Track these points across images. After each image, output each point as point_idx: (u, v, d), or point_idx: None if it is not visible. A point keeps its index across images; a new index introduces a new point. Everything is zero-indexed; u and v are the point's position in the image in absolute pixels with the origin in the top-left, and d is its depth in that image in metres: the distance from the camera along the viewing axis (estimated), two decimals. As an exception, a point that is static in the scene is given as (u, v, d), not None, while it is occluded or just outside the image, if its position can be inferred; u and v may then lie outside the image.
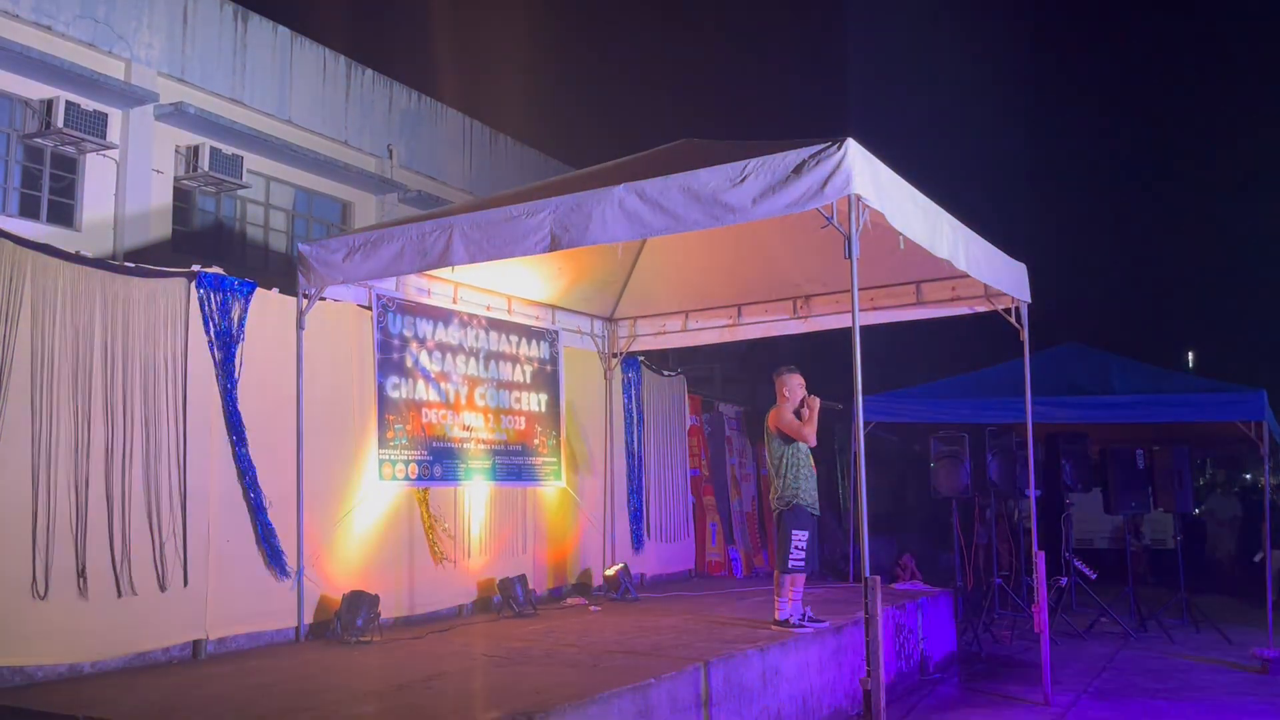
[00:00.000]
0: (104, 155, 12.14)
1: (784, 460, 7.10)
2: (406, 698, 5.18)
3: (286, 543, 6.88)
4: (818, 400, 7.13)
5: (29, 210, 11.73)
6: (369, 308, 7.80)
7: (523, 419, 9.21)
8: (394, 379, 7.93)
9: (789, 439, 7.10)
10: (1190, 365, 30.46)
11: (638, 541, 10.49)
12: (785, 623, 6.92)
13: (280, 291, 7.14)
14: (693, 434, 12.13)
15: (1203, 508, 16.95)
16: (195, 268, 6.63)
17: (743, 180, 5.36)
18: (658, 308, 10.09)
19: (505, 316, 9.12)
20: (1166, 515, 12.95)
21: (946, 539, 11.58)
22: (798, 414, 7.14)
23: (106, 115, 11.84)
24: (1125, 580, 11.17)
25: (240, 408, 6.67)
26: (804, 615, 7.01)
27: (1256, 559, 11.36)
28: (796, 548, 6.94)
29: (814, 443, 7.12)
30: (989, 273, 7.10)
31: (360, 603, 6.89)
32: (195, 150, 12.93)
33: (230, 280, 6.75)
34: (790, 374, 7.23)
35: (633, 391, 10.77)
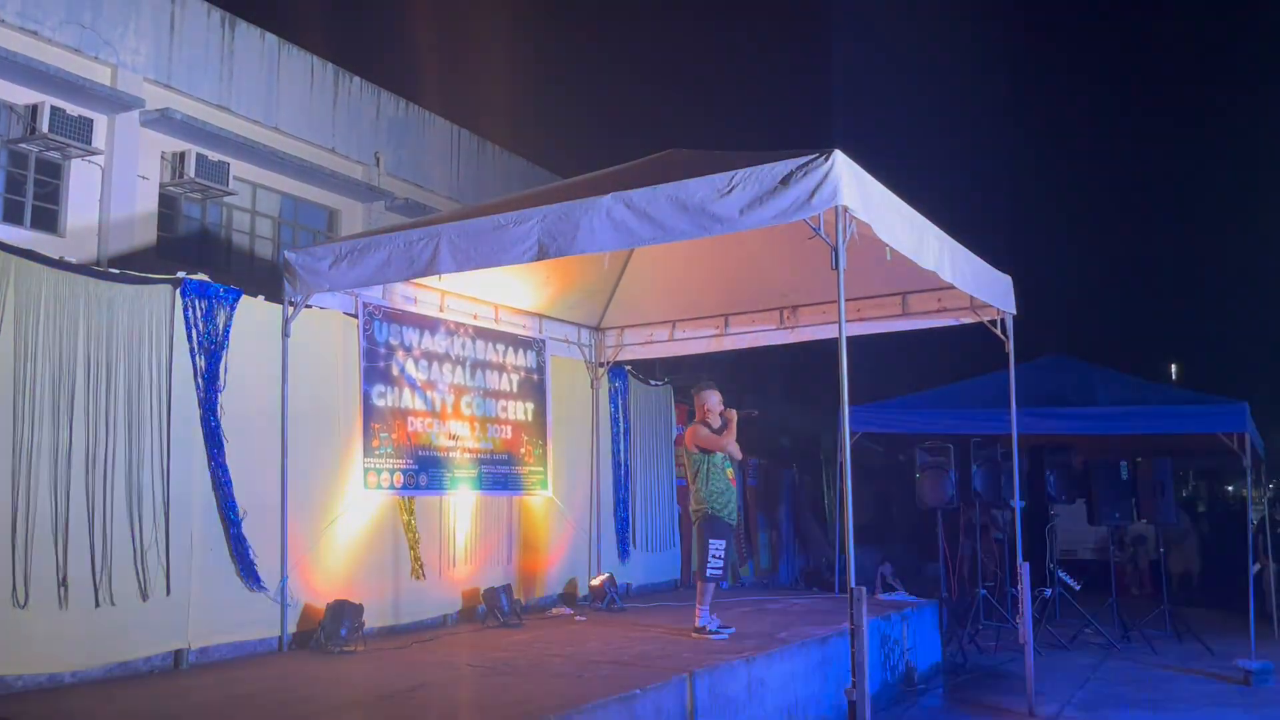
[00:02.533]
0: (89, 161, 12.08)
1: (699, 473, 7.35)
2: (390, 708, 5.15)
3: (264, 554, 6.81)
4: (734, 412, 7.42)
5: (13, 216, 11.66)
6: (355, 316, 7.78)
7: (509, 428, 9.20)
8: (380, 387, 7.90)
9: (705, 451, 7.33)
10: (1174, 377, 30.67)
11: (624, 551, 10.48)
12: (703, 630, 7.13)
13: (266, 299, 7.11)
14: (679, 443, 12.12)
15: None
16: (180, 275, 6.59)
17: (730, 191, 5.37)
18: (645, 317, 10.10)
19: (492, 325, 9.11)
20: (1147, 527, 13.01)
21: (931, 550, 11.60)
22: (717, 431, 7.40)
23: (92, 121, 11.78)
24: (1109, 591, 11.21)
25: (221, 416, 6.62)
26: (717, 625, 7.24)
27: (1256, 569, 11.37)
28: (715, 556, 7.21)
29: (738, 454, 7.43)
30: (974, 284, 7.14)
31: (344, 612, 6.85)
32: (181, 156, 12.88)
33: (215, 287, 6.71)
34: (708, 390, 7.56)
35: (619, 401, 10.77)
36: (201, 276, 6.69)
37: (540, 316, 9.66)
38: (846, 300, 5.30)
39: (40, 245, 8.06)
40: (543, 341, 9.71)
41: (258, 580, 6.72)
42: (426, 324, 8.41)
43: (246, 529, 6.67)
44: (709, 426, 7.41)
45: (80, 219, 12.06)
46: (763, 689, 6.16)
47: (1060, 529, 11.91)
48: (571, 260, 7.22)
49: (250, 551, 6.69)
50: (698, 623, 7.20)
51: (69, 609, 5.68)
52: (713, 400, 7.47)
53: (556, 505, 9.69)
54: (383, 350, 7.96)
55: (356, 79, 15.88)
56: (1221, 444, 10.14)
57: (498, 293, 8.94)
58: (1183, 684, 8.57)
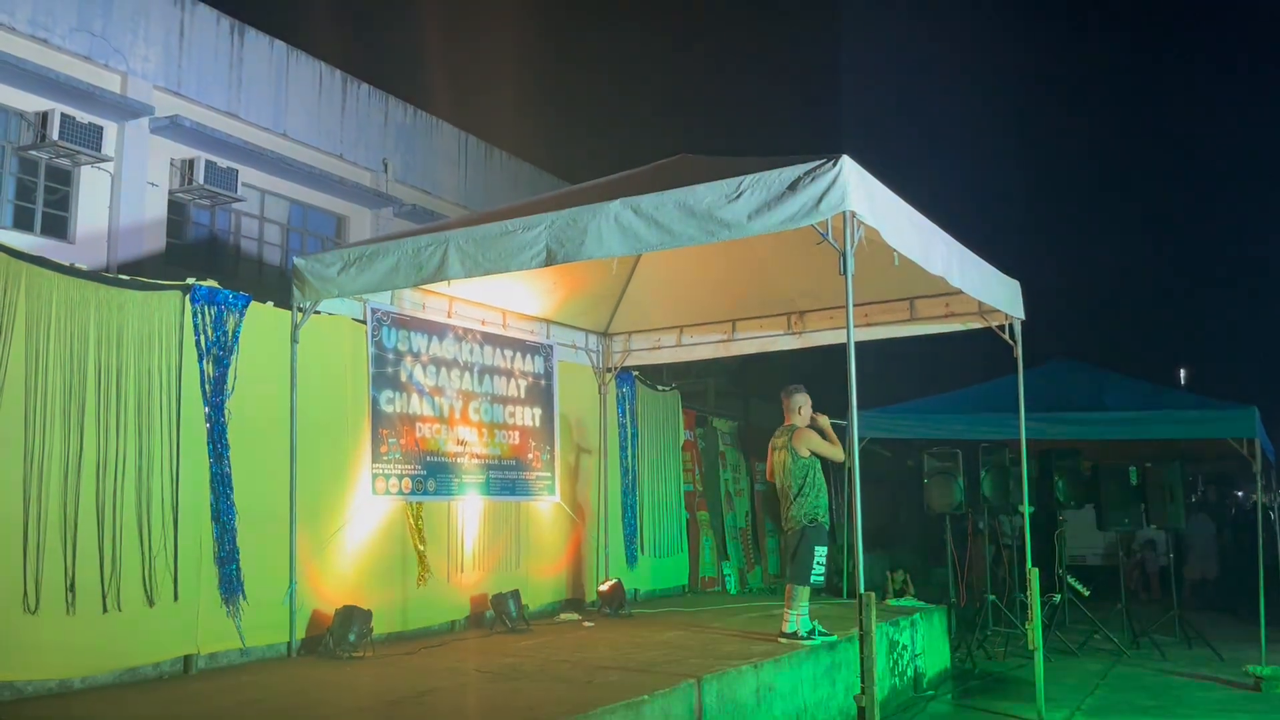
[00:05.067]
0: (99, 168, 12.15)
1: (806, 479, 7.28)
2: (399, 714, 5.15)
3: (272, 560, 6.81)
4: (826, 418, 7.31)
5: (23, 222, 11.73)
6: (364, 322, 7.79)
7: (517, 433, 9.20)
8: (388, 393, 7.91)
9: (815, 457, 7.29)
10: (1182, 382, 30.57)
11: (631, 557, 10.47)
12: (794, 635, 7.02)
13: (275, 305, 7.13)
14: (687, 449, 12.12)
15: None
16: (190, 281, 6.62)
17: (738, 196, 5.38)
18: (652, 323, 10.10)
19: (500, 331, 9.12)
20: (1156, 532, 12.95)
21: (940, 555, 11.57)
22: (823, 431, 7.33)
23: (102, 128, 11.85)
24: (1118, 597, 11.17)
25: (228, 422, 6.62)
26: (813, 630, 7.09)
27: None
28: (819, 563, 7.16)
29: (843, 457, 7.32)
30: (983, 289, 7.13)
31: (353, 618, 6.85)
32: (190, 163, 12.95)
33: (225, 293, 6.74)
34: (800, 392, 7.46)
35: (627, 406, 10.77)
36: (211, 283, 6.71)
37: (548, 322, 9.67)
38: (854, 305, 5.30)
39: (50, 251, 8.09)
40: (550, 347, 9.72)
41: (233, 598, 6.53)
42: (435, 330, 8.42)
43: (243, 539, 6.61)
44: (817, 431, 7.31)
45: (90, 225, 12.13)
46: (771, 694, 6.15)
47: (1069, 534, 11.87)
48: (579, 266, 7.23)
49: (238, 564, 6.58)
50: (785, 628, 7.11)
51: (77, 615, 5.69)
52: (807, 403, 7.40)
53: (564, 511, 9.69)
54: (391, 356, 7.98)
55: (364, 86, 15.95)
56: (1231, 449, 10.10)
57: (506, 298, 8.95)
58: (1192, 690, 8.53)
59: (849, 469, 5.37)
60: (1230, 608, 13.04)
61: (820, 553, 7.15)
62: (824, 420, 7.29)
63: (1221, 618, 12.27)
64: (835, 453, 7.27)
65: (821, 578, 7.18)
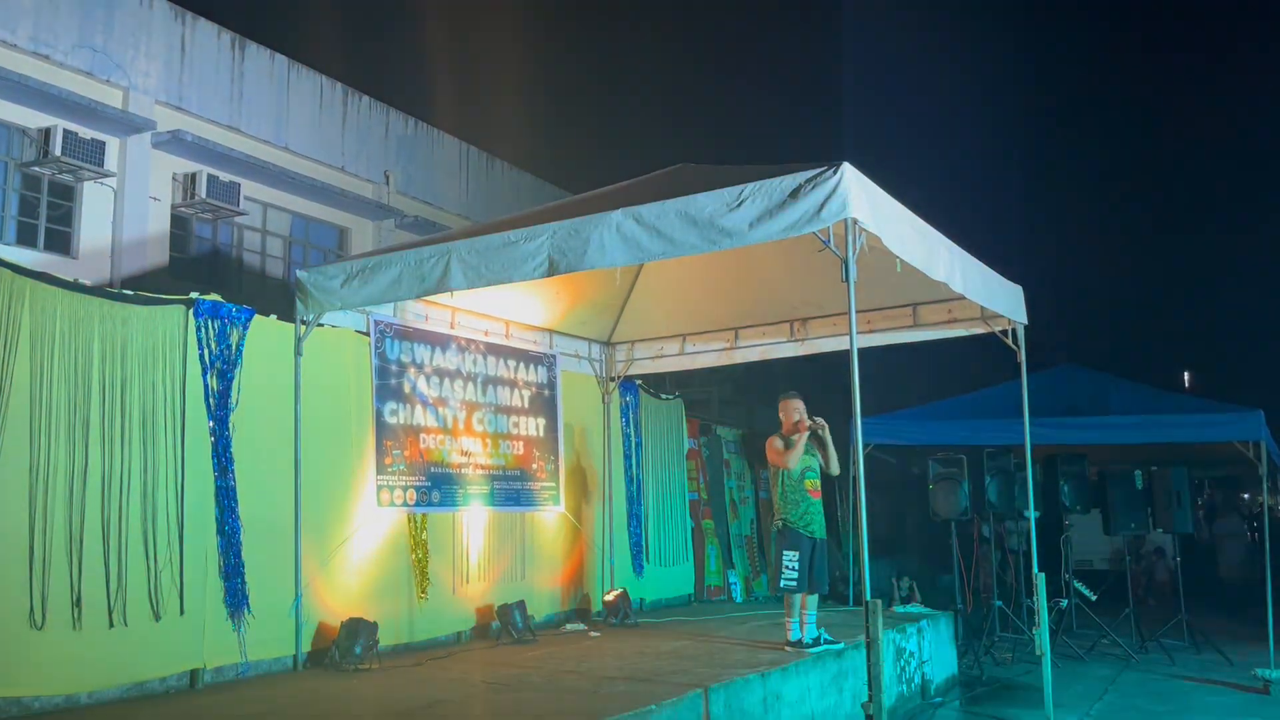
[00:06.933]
0: (101, 183, 12.18)
1: (774, 484, 7.40)
2: (406, 726, 5.15)
3: (278, 572, 6.81)
4: (805, 425, 7.24)
5: (26, 238, 11.76)
6: (367, 334, 7.81)
7: (521, 444, 9.20)
8: (392, 404, 7.92)
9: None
10: (1187, 385, 30.53)
11: (637, 566, 10.46)
12: (798, 644, 7.01)
13: (278, 318, 7.14)
14: (691, 457, 12.11)
15: (1204, 531, 16.83)
16: (193, 295, 6.63)
17: (739, 204, 5.39)
18: (655, 331, 10.11)
19: (503, 341, 9.13)
20: (1164, 536, 12.91)
21: (945, 561, 11.54)
22: (788, 440, 7.31)
23: (104, 143, 11.89)
24: (1126, 602, 11.14)
25: (233, 435, 6.63)
26: (819, 637, 7.07)
27: None
28: (787, 567, 7.15)
29: (788, 466, 7.20)
30: (985, 295, 7.13)
31: (359, 630, 6.85)
32: (192, 177, 12.99)
33: (228, 307, 6.75)
34: (784, 399, 7.43)
35: (631, 415, 10.77)
36: (214, 297, 6.72)
37: (551, 332, 9.68)
38: (857, 312, 5.30)
39: (53, 267, 8.12)
40: (553, 357, 9.72)
41: (239, 613, 6.54)
42: (438, 341, 8.43)
43: (248, 553, 6.61)
44: (783, 439, 7.32)
45: (93, 241, 12.16)
46: (779, 703, 6.13)
47: (1075, 539, 11.85)
48: (582, 276, 7.23)
49: (244, 578, 6.57)
50: (789, 636, 7.14)
51: (83, 630, 5.69)
52: (780, 408, 7.39)
53: (569, 521, 9.69)
54: (394, 368, 7.99)
55: (365, 98, 15.99)
56: (1237, 452, 10.08)
57: (508, 309, 8.96)
58: (1201, 695, 8.50)
59: (853, 476, 5.36)
60: (1236, 612, 12.98)
61: (789, 557, 7.15)
62: (803, 425, 7.23)
63: (1230, 622, 12.22)
64: (779, 463, 7.25)
65: (793, 582, 7.11)
